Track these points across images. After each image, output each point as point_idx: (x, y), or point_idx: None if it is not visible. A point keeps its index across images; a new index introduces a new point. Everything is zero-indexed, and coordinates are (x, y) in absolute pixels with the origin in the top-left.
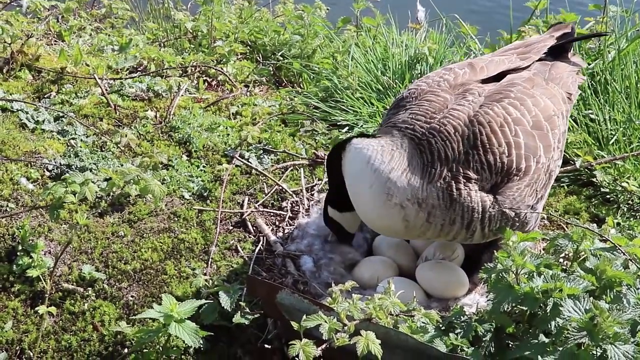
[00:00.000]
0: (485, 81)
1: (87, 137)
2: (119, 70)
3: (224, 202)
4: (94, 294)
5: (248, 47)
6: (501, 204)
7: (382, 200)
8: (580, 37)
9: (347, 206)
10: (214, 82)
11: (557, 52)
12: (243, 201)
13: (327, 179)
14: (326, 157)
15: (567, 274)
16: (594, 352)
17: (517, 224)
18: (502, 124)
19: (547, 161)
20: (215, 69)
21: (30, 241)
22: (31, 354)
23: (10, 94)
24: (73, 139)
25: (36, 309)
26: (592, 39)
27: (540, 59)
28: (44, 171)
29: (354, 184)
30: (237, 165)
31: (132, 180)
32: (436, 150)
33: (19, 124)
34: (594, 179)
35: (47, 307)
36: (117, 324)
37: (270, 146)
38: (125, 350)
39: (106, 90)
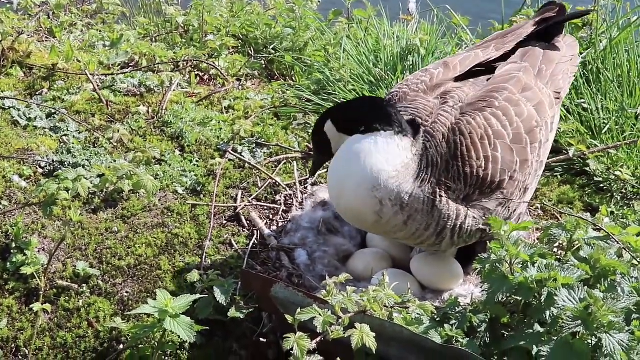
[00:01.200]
0: (459, 78)
1: (79, 133)
2: (111, 66)
3: (218, 196)
4: (88, 291)
5: (240, 41)
6: (473, 216)
7: (365, 191)
8: (561, 19)
9: (349, 130)
10: (206, 77)
11: (548, 37)
12: (237, 195)
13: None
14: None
15: (561, 264)
16: (589, 341)
17: (485, 235)
18: (483, 136)
19: (523, 177)
20: (207, 63)
21: (24, 238)
22: (26, 351)
23: (2, 91)
24: (65, 135)
25: (31, 306)
26: (584, 28)
27: (528, 45)
28: (36, 168)
29: (347, 162)
30: (230, 160)
31: (125, 176)
32: (430, 155)
33: (11, 121)
34: (587, 168)
35: (42, 304)
36: (112, 320)
37: (263, 140)
38: (121, 346)
39: (98, 86)
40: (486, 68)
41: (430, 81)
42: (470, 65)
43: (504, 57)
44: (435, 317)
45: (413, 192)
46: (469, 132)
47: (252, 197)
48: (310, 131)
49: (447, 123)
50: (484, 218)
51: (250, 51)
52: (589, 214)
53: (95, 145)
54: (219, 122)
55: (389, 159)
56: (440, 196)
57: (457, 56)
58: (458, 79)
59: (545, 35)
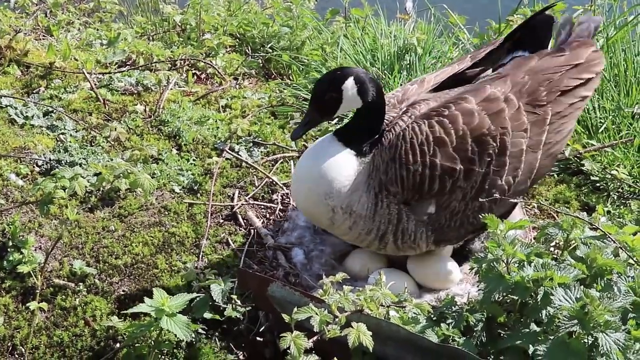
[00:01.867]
0: (438, 89)
1: (76, 132)
2: (108, 65)
3: (215, 195)
4: (85, 289)
5: (237, 40)
6: (415, 220)
7: (320, 198)
8: (520, 29)
9: (367, 98)
10: (203, 75)
11: (536, 44)
12: (233, 194)
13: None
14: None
15: (558, 263)
16: (585, 340)
17: (430, 240)
18: (423, 142)
19: (469, 184)
20: (204, 62)
21: (21, 237)
22: (23, 350)
23: None
24: (62, 134)
25: (27, 304)
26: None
27: (513, 57)
28: (33, 167)
29: (309, 166)
30: (227, 159)
31: (121, 175)
32: (376, 160)
33: (8, 120)
34: (584, 168)
35: (39, 302)
36: (108, 319)
37: (260, 139)
38: (117, 345)
39: (95, 84)
40: (466, 78)
41: (403, 95)
42: (442, 80)
43: (475, 66)
44: (432, 316)
45: (361, 199)
46: (410, 138)
47: (249, 196)
48: (316, 82)
49: (397, 130)
50: (428, 223)
51: (247, 50)
52: (585, 213)
53: (92, 144)
54: (216, 121)
55: (343, 168)
56: (382, 201)
57: (435, 72)
58: (437, 89)
59: (535, 41)
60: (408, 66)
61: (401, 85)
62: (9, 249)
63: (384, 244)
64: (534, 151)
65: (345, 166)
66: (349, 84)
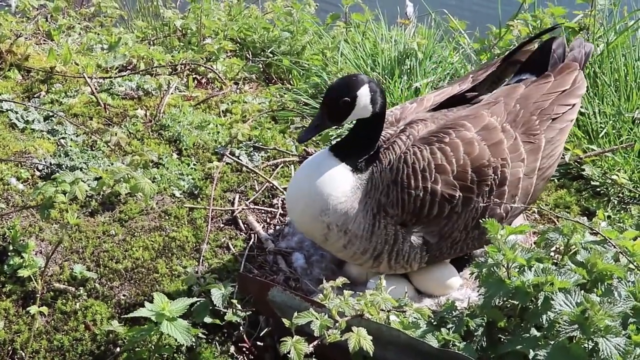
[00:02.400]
0: (436, 108)
1: (77, 136)
2: (109, 69)
3: (215, 199)
4: (85, 294)
5: (237, 45)
6: (410, 242)
7: (315, 214)
8: (513, 53)
9: (376, 109)
10: (203, 80)
11: (542, 68)
12: (234, 199)
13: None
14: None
15: (558, 268)
16: (586, 345)
17: (424, 260)
18: (425, 168)
19: (467, 212)
20: (205, 67)
21: (21, 241)
22: (23, 354)
23: (0, 94)
24: (63, 138)
25: (28, 309)
26: (581, 32)
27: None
28: (34, 171)
29: (304, 180)
30: (227, 163)
31: (122, 179)
32: (375, 179)
33: (9, 124)
34: (584, 173)
35: (39, 307)
36: (109, 323)
37: (260, 143)
38: (118, 349)
39: (96, 89)
40: (464, 99)
41: (401, 114)
42: (442, 100)
43: (475, 89)
44: (432, 321)
45: (357, 218)
46: (412, 162)
47: (249, 201)
48: (330, 86)
49: (397, 151)
50: (422, 245)
51: (247, 55)
52: (585, 218)
53: (93, 148)
54: (216, 126)
55: (339, 184)
56: (379, 222)
57: (435, 91)
58: (435, 109)
59: (539, 64)
60: (408, 71)
61: (401, 89)
62: (9, 253)
63: (377, 263)
64: (529, 177)
65: (341, 182)
66: (364, 91)
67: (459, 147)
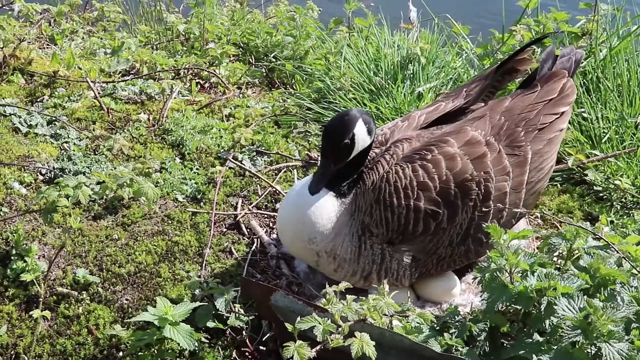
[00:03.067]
0: (429, 126)
1: (80, 140)
2: (112, 74)
3: (218, 204)
4: (88, 298)
5: (240, 49)
6: (397, 260)
7: (304, 243)
8: (504, 63)
9: (373, 136)
10: (206, 85)
11: (531, 80)
12: (237, 203)
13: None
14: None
15: (561, 273)
16: (589, 350)
17: (414, 277)
18: (407, 186)
19: (452, 227)
20: (208, 71)
21: (24, 245)
22: (26, 358)
23: (3, 98)
24: (66, 142)
25: (30, 313)
26: (584, 37)
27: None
28: (37, 175)
29: (292, 209)
30: (230, 168)
31: (125, 183)
32: (359, 203)
33: (12, 128)
34: (587, 178)
35: (42, 311)
36: (111, 328)
37: (263, 148)
38: (120, 354)
39: (99, 93)
40: (456, 116)
41: (391, 133)
42: (433, 118)
43: (468, 105)
44: (435, 326)
45: (344, 242)
46: (394, 181)
47: (252, 205)
48: (325, 132)
49: (381, 171)
50: (411, 262)
51: (250, 59)
52: (588, 223)
53: (96, 153)
54: (219, 130)
55: (324, 212)
56: (365, 242)
57: (428, 107)
58: (427, 127)
59: (532, 77)
60: (411, 76)
61: (404, 94)
62: (12, 258)
63: (368, 282)
64: (517, 191)
65: (326, 210)
66: (360, 127)
67: (440, 163)
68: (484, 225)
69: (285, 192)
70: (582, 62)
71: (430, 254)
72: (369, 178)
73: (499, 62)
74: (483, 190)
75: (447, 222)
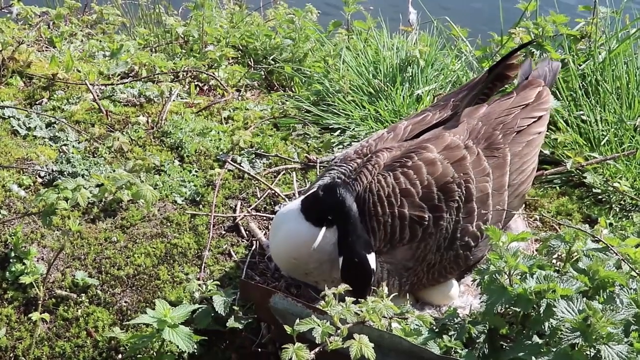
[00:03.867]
0: (415, 137)
1: (78, 143)
2: (111, 76)
3: (217, 206)
4: (87, 300)
5: (239, 52)
6: (387, 269)
7: (302, 273)
8: (496, 66)
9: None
10: (205, 87)
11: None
12: (236, 205)
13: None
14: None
15: (560, 275)
16: (588, 352)
17: (405, 287)
18: (390, 194)
19: (438, 231)
20: (207, 74)
21: (23, 248)
22: None
23: (2, 101)
24: (65, 145)
25: (29, 315)
26: (583, 40)
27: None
28: (36, 178)
29: (284, 245)
30: (229, 170)
31: (124, 186)
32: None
33: (11, 131)
34: (586, 180)
35: (41, 313)
36: (110, 330)
37: (262, 150)
38: (120, 356)
39: (98, 96)
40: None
41: (376, 145)
42: (418, 130)
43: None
44: (434, 328)
45: (335, 264)
46: (377, 190)
47: (251, 208)
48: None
49: (364, 182)
50: (400, 272)
51: (249, 62)
52: (587, 225)
53: (95, 155)
54: (218, 133)
55: (317, 243)
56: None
57: (415, 117)
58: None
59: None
60: (410, 78)
61: (403, 97)
62: (11, 260)
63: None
64: (500, 193)
65: (318, 241)
66: (372, 258)
67: (421, 168)
68: (484, 227)
69: (285, 195)
70: (582, 67)
71: (420, 261)
72: (354, 190)
73: (488, 69)
74: (465, 192)
75: (433, 227)
